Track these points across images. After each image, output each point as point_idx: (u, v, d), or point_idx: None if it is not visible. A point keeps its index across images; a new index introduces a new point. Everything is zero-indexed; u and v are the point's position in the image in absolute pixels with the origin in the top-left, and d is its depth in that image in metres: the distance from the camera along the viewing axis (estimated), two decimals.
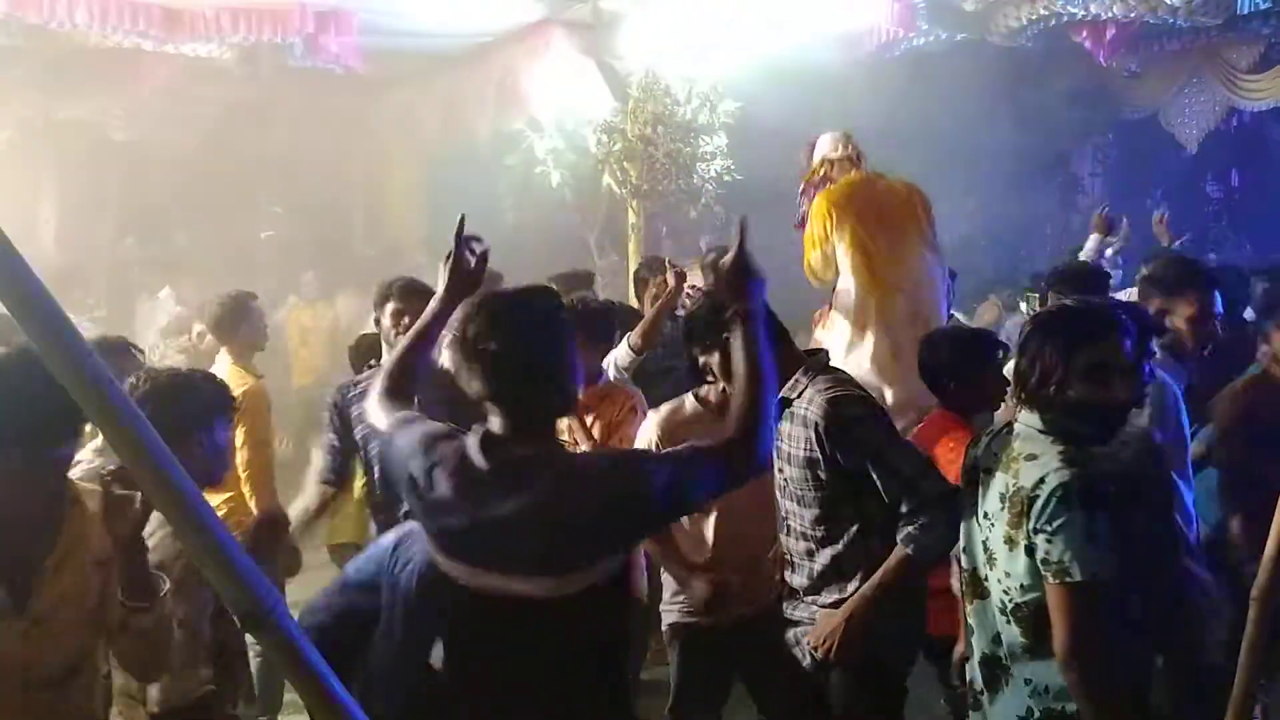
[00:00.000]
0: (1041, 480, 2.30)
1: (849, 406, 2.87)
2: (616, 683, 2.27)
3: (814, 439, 2.88)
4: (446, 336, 2.30)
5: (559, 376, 2.20)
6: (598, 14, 7.94)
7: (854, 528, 2.92)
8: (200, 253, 10.14)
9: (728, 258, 2.30)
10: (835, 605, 2.93)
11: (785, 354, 2.92)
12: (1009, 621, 2.42)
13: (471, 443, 2.17)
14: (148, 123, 9.69)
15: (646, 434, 3.56)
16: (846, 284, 4.63)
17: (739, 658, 3.51)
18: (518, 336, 2.13)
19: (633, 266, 7.61)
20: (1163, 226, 6.40)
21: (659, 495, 2.11)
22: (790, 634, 3.11)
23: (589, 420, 4.13)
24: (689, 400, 3.55)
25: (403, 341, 2.59)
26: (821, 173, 4.87)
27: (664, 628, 3.63)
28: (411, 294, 3.97)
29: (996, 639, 2.48)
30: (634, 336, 4.57)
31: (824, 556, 2.98)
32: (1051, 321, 2.48)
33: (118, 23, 7.07)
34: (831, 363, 3.17)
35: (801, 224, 4.88)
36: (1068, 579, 2.25)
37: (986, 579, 2.50)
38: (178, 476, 0.90)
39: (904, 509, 2.81)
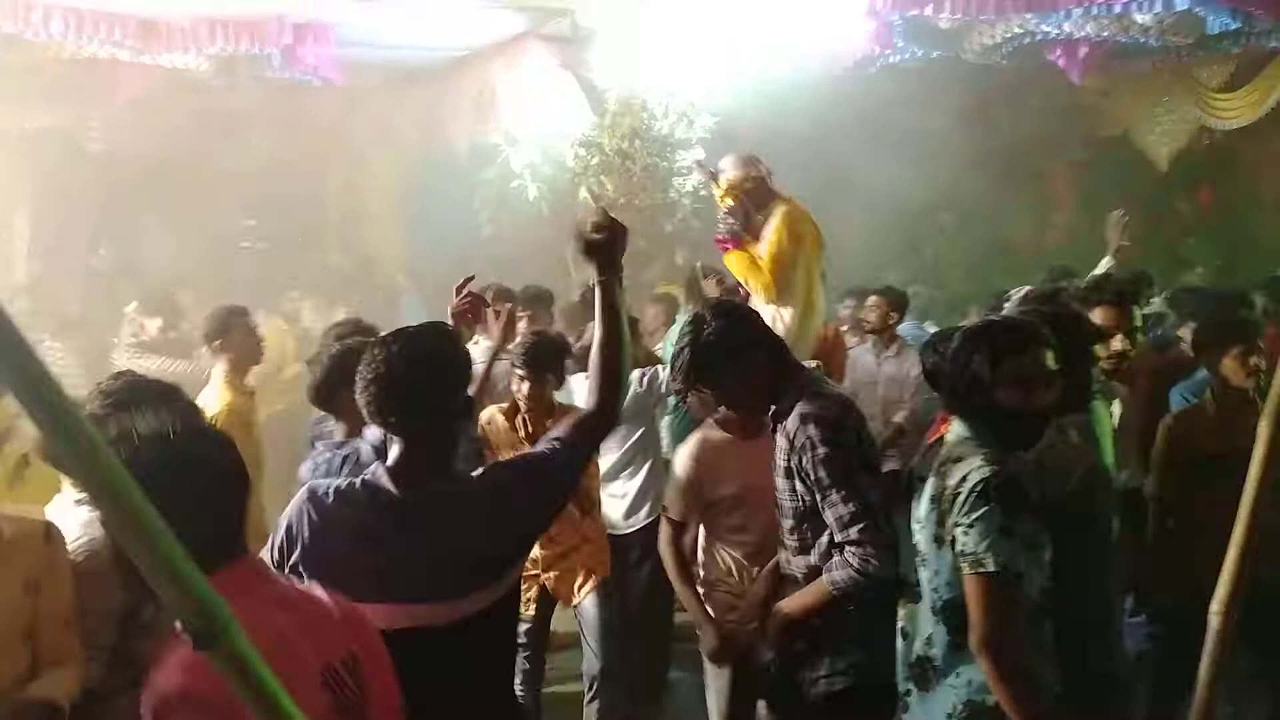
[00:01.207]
0: (964, 478, 2.46)
1: (819, 429, 2.88)
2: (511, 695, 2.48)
3: (789, 451, 2.92)
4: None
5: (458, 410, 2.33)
6: (576, 29, 7.98)
7: (824, 538, 2.95)
8: (175, 264, 10.09)
9: (591, 221, 2.40)
10: None
11: (783, 365, 3.02)
12: (938, 621, 2.55)
13: (380, 476, 2.25)
14: (123, 133, 9.64)
15: (683, 468, 3.64)
16: (781, 312, 4.72)
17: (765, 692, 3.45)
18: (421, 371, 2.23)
19: None
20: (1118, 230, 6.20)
21: (564, 474, 2.39)
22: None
23: None
24: (713, 431, 3.64)
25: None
26: (749, 188, 4.88)
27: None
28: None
29: (929, 640, 2.60)
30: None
31: (799, 564, 3.03)
32: (979, 334, 2.63)
33: (93, 33, 7.06)
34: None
35: (733, 242, 4.85)
36: (981, 569, 2.39)
37: (918, 583, 2.64)
38: (129, 487, 0.90)
39: (836, 541, 2.86)
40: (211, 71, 8.22)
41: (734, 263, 4.86)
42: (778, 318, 4.70)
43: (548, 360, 4.23)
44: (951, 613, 2.51)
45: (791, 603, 3.01)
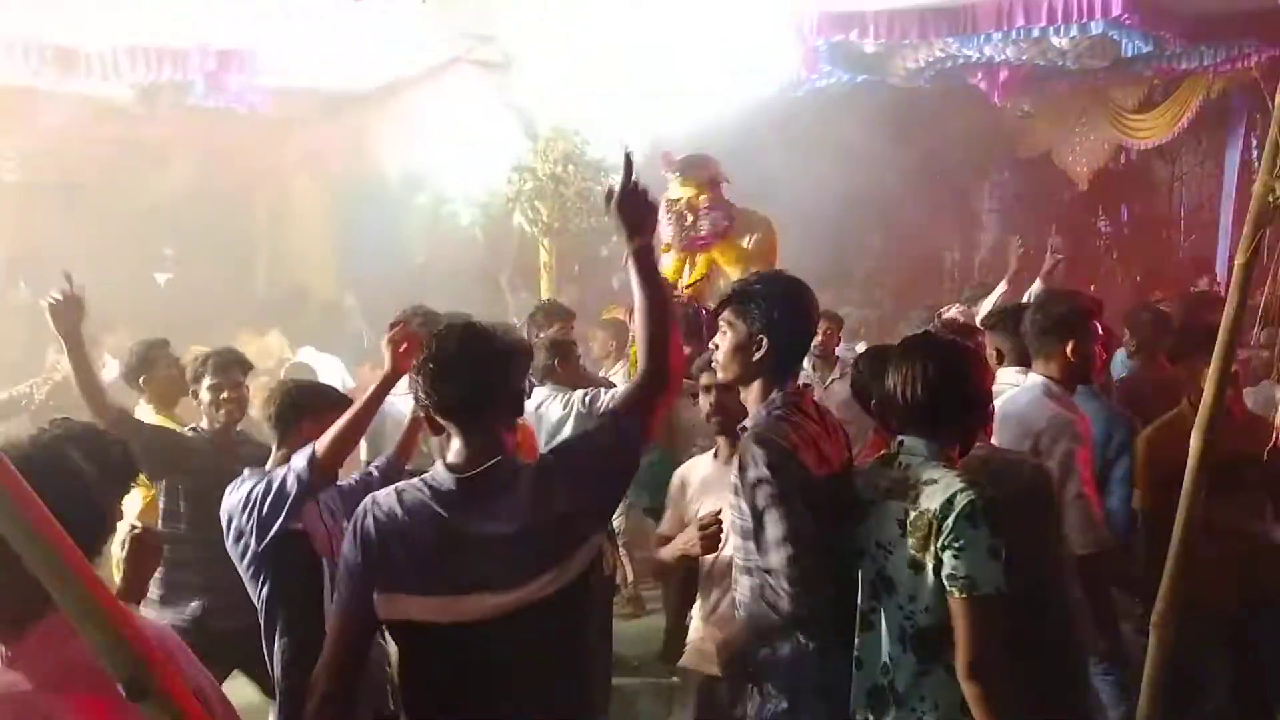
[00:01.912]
0: (950, 500, 2.40)
1: (760, 450, 2.72)
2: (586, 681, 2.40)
3: (738, 468, 2.86)
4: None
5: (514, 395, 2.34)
6: (505, 55, 7.96)
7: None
8: (97, 297, 9.82)
9: (620, 191, 2.38)
10: None
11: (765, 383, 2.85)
12: (906, 648, 2.48)
13: (439, 473, 2.27)
14: (42, 163, 9.40)
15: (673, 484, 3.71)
16: None
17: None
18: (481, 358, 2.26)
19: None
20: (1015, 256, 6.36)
21: (622, 445, 2.35)
22: None
23: None
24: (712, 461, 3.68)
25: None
26: (697, 209, 4.93)
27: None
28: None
29: (885, 668, 2.52)
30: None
31: (744, 586, 2.96)
32: (924, 349, 2.63)
33: (10, 61, 6.89)
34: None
35: (703, 242, 4.88)
36: (975, 592, 2.34)
37: (874, 610, 2.55)
38: (56, 535, 0.86)
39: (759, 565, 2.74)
40: (133, 99, 8.05)
41: (722, 254, 4.82)
42: None
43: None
44: (924, 639, 2.45)
45: (727, 636, 2.98)
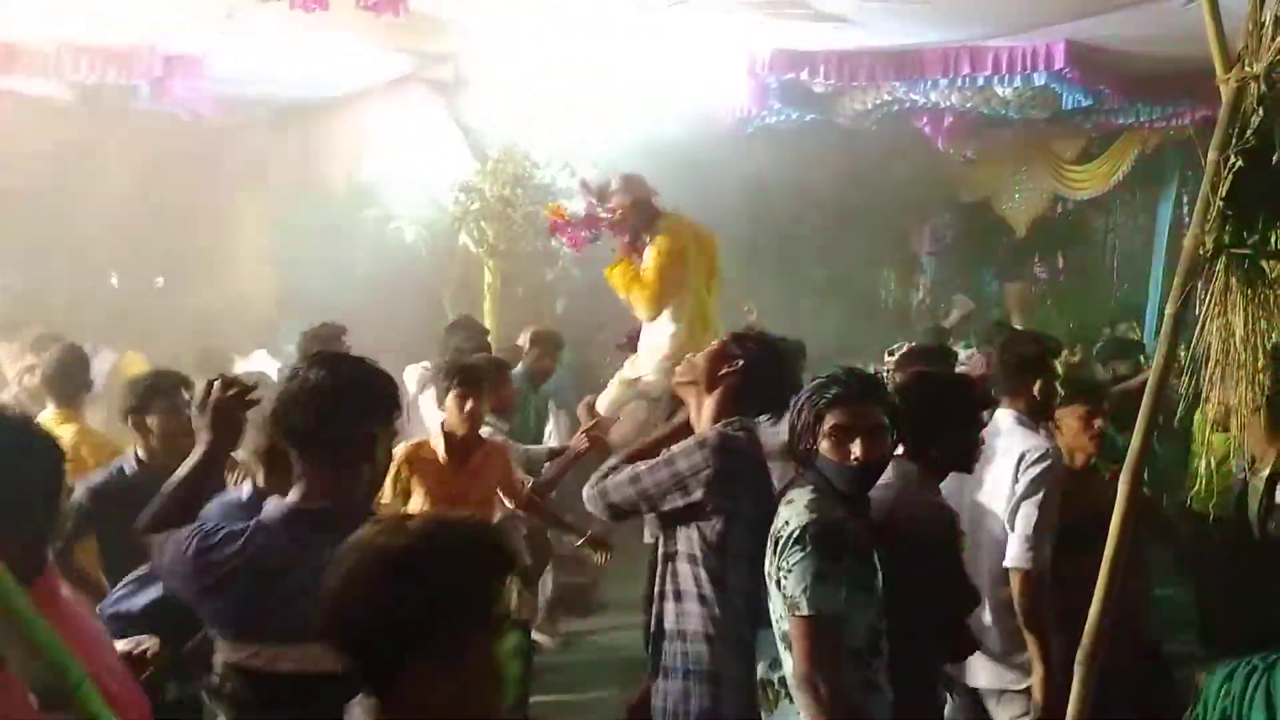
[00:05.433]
0: (787, 522, 2.57)
1: (721, 440, 2.87)
2: None
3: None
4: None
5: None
6: (458, 75, 7.95)
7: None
8: (33, 300, 9.57)
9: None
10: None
11: (724, 400, 3.02)
12: (785, 648, 2.63)
13: (274, 511, 2.22)
14: None
15: None
16: (665, 325, 4.79)
17: None
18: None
19: (487, 324, 7.57)
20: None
21: None
22: None
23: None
24: None
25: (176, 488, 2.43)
26: (633, 206, 4.99)
27: None
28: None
29: (774, 664, 2.70)
30: None
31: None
32: (814, 386, 2.75)
33: None
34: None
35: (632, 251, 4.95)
36: (798, 612, 2.50)
37: (769, 609, 2.72)
38: None
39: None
40: (73, 100, 7.89)
41: (616, 277, 4.92)
42: (666, 332, 4.75)
43: (480, 377, 4.36)
44: (789, 643, 2.59)
45: None
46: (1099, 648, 2.49)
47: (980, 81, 7.46)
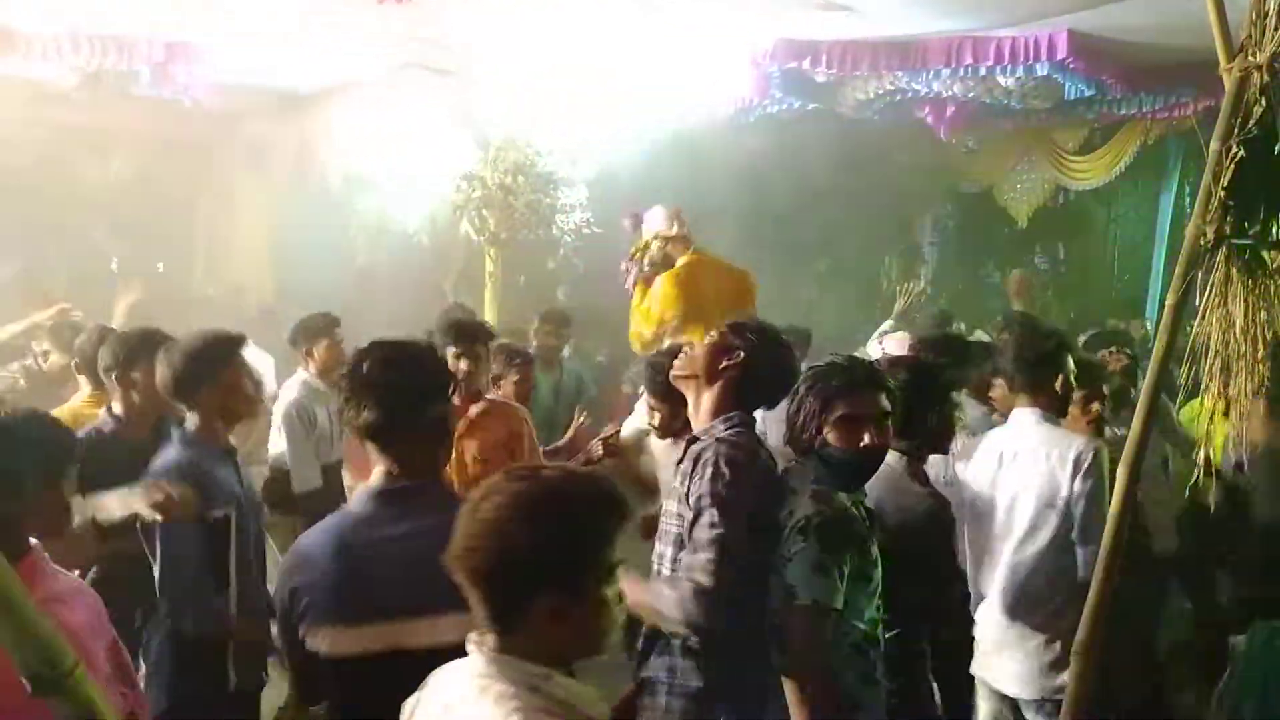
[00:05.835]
0: (792, 512, 2.61)
1: (729, 450, 2.72)
2: None
3: (689, 474, 2.78)
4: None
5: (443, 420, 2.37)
6: (460, 63, 7.92)
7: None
8: (33, 283, 9.57)
9: None
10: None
11: (723, 395, 2.87)
12: (770, 641, 2.64)
13: (364, 496, 2.29)
14: None
15: None
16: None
17: None
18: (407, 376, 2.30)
19: (488, 314, 7.56)
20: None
21: None
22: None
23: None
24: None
25: None
26: (655, 248, 5.19)
27: None
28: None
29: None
30: None
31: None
32: (815, 374, 2.76)
33: None
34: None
35: (645, 281, 5.12)
36: (795, 601, 2.52)
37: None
38: None
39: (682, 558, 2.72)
40: (75, 85, 7.86)
41: (634, 299, 5.08)
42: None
43: (473, 335, 4.36)
44: (779, 634, 2.61)
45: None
46: (1095, 641, 2.49)
47: (982, 71, 7.42)
